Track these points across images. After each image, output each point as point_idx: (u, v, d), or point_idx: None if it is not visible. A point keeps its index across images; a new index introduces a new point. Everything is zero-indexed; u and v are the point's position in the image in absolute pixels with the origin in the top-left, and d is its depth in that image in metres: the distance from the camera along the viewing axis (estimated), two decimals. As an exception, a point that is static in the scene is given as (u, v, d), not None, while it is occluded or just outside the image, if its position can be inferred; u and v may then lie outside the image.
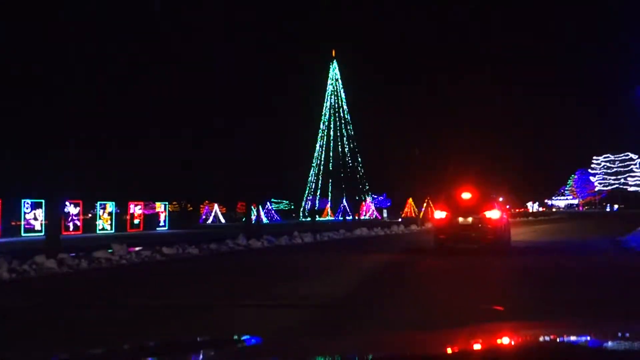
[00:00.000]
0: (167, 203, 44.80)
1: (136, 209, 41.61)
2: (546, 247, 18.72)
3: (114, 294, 8.45)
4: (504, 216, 17.18)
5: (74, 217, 36.26)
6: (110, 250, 13.82)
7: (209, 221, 74.51)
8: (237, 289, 9.08)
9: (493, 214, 15.58)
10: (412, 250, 18.06)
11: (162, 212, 44.94)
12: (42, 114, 21.46)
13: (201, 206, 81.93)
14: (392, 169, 75.41)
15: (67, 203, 35.47)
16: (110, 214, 39.22)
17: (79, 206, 36.43)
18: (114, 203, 39.60)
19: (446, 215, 15.79)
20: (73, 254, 13.25)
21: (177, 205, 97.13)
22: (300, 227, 35.98)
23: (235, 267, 13.20)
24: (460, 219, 15.49)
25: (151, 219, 44.16)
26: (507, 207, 20.27)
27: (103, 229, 38.08)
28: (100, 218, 38.34)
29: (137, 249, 15.47)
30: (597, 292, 8.46)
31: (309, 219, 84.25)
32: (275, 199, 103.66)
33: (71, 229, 35.58)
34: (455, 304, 7.37)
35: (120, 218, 41.34)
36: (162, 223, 44.18)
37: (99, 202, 38.20)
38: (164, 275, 11.46)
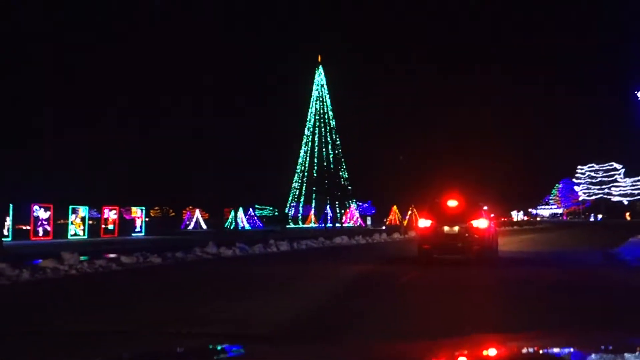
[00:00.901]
0: (144, 208, 43.34)
1: (111, 214, 40.05)
2: (536, 259, 17.76)
3: (31, 317, 7.15)
4: (492, 225, 16.47)
5: (43, 222, 34.69)
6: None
7: (190, 227, 72.88)
8: (176, 309, 7.69)
9: (480, 223, 14.81)
10: (393, 260, 16.93)
11: (138, 218, 43.40)
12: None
13: (184, 212, 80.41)
14: (377, 176, 74.57)
15: (36, 207, 34.05)
16: (83, 218, 37.68)
17: (49, 210, 34.88)
18: (87, 207, 38.05)
19: (431, 223, 14.96)
20: (29, 263, 12.15)
21: (158, 211, 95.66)
22: (280, 234, 34.83)
23: (190, 280, 11.79)
24: (446, 228, 14.70)
25: (127, 225, 42.68)
26: (493, 215, 19.22)
27: (75, 234, 36.55)
28: (72, 223, 36.79)
29: (114, 256, 14.22)
30: (601, 313, 7.45)
31: (292, 225, 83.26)
32: (259, 205, 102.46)
33: (40, 234, 34.03)
34: (437, 329, 6.23)
35: (95, 223, 39.83)
36: (138, 229, 42.66)
37: (71, 207, 36.68)
38: (107, 291, 10.12)
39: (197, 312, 7.43)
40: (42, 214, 34.46)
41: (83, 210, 37.76)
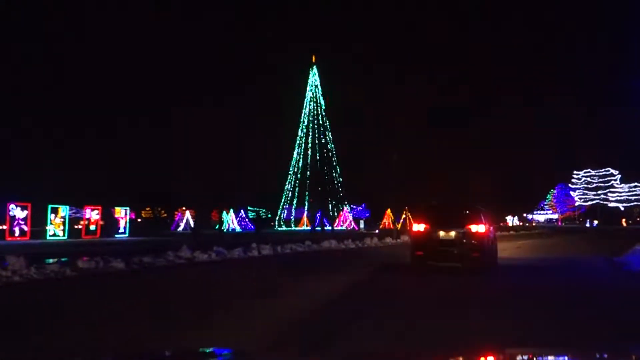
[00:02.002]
0: (128, 208, 41.77)
1: (93, 214, 38.51)
2: (539, 268, 16.56)
3: None
4: (491, 230, 15.25)
5: (20, 222, 33.15)
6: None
7: (180, 228, 71.39)
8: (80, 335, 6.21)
9: (479, 227, 13.62)
10: (382, 268, 15.52)
11: (122, 218, 41.82)
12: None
13: (175, 213, 78.85)
14: (371, 178, 73.25)
15: (12, 206, 32.56)
16: (63, 218, 36.15)
17: (26, 209, 33.34)
18: (67, 207, 36.50)
19: (425, 228, 13.77)
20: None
21: (150, 211, 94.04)
22: (269, 237, 33.41)
23: (140, 292, 10.24)
24: (441, 233, 13.54)
25: (112, 226, 41.17)
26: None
27: (54, 234, 35.06)
28: (51, 223, 35.27)
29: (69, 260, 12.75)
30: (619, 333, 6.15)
31: (284, 227, 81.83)
32: (251, 207, 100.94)
33: (17, 234, 32.53)
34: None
35: (76, 223, 38.30)
36: (122, 229, 41.10)
37: (50, 206, 35.17)
38: (35, 307, 8.55)
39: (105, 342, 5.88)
40: (18, 213, 32.95)
41: (63, 210, 36.24)
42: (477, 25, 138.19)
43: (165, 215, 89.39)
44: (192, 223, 74.03)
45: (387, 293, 10.42)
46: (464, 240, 13.40)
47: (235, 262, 16.22)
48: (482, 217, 14.14)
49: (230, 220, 72.96)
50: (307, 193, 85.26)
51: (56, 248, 24.24)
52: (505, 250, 21.92)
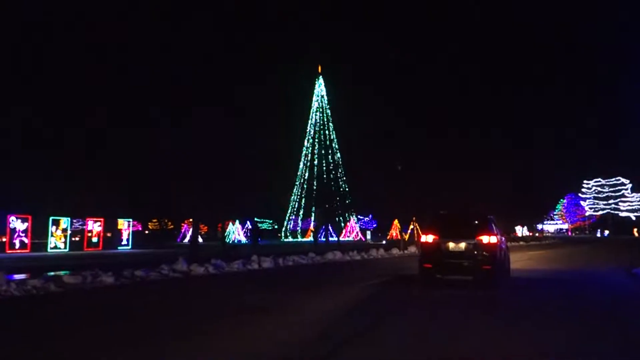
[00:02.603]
0: (130, 220, 41.20)
1: (95, 226, 37.98)
2: (555, 282, 15.62)
3: None
4: (503, 241, 14.53)
5: (20, 234, 32.63)
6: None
7: (186, 240, 70.83)
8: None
9: (490, 238, 12.92)
10: (387, 282, 14.67)
11: (125, 230, 41.26)
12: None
13: (182, 225, 78.32)
14: (378, 189, 72.35)
15: (12, 218, 32.06)
16: (64, 230, 35.63)
17: (27, 221, 32.84)
18: (68, 219, 35.96)
19: (433, 239, 13.16)
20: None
21: (157, 223, 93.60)
22: (273, 249, 32.71)
23: (119, 312, 9.38)
24: (451, 245, 12.90)
25: (113, 237, 40.61)
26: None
27: (55, 247, 34.53)
28: (52, 235, 34.74)
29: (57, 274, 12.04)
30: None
31: (290, 239, 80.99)
32: (258, 218, 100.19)
33: (17, 246, 32.03)
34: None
35: (76, 236, 37.66)
36: (124, 241, 40.54)
37: (51, 218, 34.66)
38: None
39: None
40: (19, 225, 32.48)
41: (64, 222, 35.74)
42: (488, 27, 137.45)
43: (172, 226, 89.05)
44: (193, 235, 73.29)
45: (392, 315, 9.57)
46: (475, 252, 12.74)
47: (233, 276, 15.46)
48: (494, 227, 13.51)
49: (235, 232, 72.31)
50: (313, 204, 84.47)
51: (53, 261, 23.64)
52: (517, 262, 21.04)
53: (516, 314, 9.51)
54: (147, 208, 74.35)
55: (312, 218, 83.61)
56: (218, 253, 21.87)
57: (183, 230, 75.39)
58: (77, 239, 36.84)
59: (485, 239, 12.86)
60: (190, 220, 78.25)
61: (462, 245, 12.84)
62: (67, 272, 13.41)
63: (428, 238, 13.30)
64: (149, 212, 79.79)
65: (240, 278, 15.15)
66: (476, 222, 13.38)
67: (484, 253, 12.71)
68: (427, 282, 13.14)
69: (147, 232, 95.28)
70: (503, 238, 14.83)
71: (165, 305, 10.14)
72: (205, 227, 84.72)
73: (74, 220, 36.82)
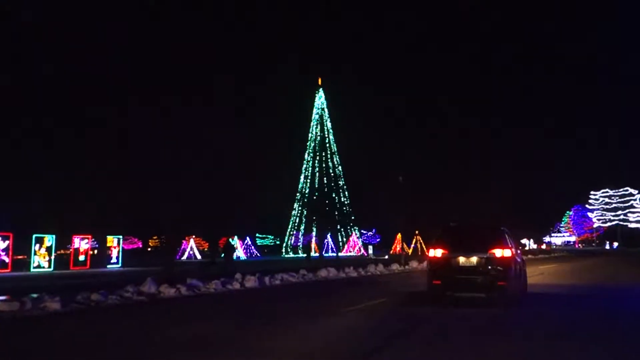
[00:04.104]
0: (120, 237, 39.37)
1: (82, 244, 36.20)
2: (578, 298, 13.94)
3: None
4: (518, 254, 13.31)
5: (0, 253, 30.90)
6: None
7: (184, 257, 69.08)
8: None
9: (504, 252, 11.85)
10: (384, 303, 12.76)
11: (114, 247, 39.43)
12: None
13: (183, 241, 76.65)
14: (381, 202, 70.58)
15: (-8, 236, 30.41)
16: (48, 248, 33.87)
17: (8, 239, 31.10)
18: (53, 236, 34.21)
19: (442, 253, 12.15)
20: None
21: (157, 240, 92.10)
22: (268, 265, 30.89)
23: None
24: (461, 259, 11.88)
25: (102, 255, 38.87)
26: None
27: (39, 266, 32.72)
28: (35, 254, 32.97)
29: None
30: None
31: (292, 254, 78.98)
32: (259, 234, 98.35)
33: (-4, 266, 30.28)
34: None
35: (62, 254, 36.02)
36: (114, 259, 38.68)
37: (34, 235, 32.93)
38: None
39: None
40: (-1, 243, 30.78)
41: (49, 240, 33.97)
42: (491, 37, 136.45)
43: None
44: (196, 252, 71.88)
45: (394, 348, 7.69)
46: (488, 267, 11.66)
47: (208, 299, 13.53)
48: (508, 240, 12.40)
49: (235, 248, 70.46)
50: (314, 218, 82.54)
51: (26, 282, 21.96)
52: (530, 277, 19.20)
53: (541, 342, 7.84)
54: (147, 224, 73.11)
55: (314, 233, 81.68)
56: (196, 271, 20.07)
57: (183, 247, 73.65)
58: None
59: (498, 252, 11.76)
60: (193, 236, 76.89)
61: (474, 259, 11.76)
62: (25, 295, 11.67)
63: (437, 252, 12.25)
64: (150, 229, 78.48)
65: (215, 301, 13.25)
66: (488, 234, 12.44)
67: (498, 268, 11.63)
68: (438, 300, 12.13)
69: (149, 249, 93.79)
70: (518, 251, 13.70)
71: (84, 343, 8.17)
72: (207, 244, 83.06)
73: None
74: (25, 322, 9.43)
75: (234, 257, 68.48)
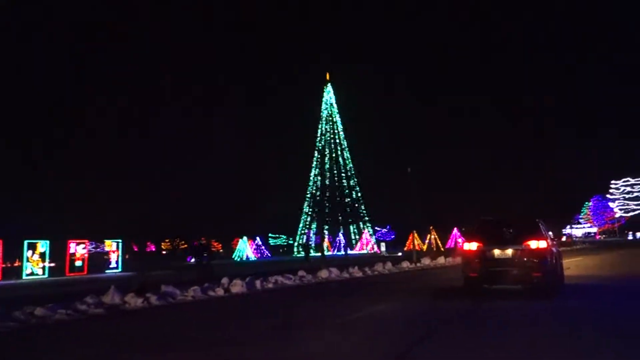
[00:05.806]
0: (120, 241, 37.68)
1: (79, 249, 34.58)
2: (619, 289, 13.16)
3: None
4: (554, 244, 13.05)
5: (-8, 260, 29.42)
6: None
7: (194, 260, 67.31)
8: None
9: (539, 243, 11.82)
10: (383, 312, 10.68)
11: (114, 252, 37.77)
12: None
13: (194, 243, 75.30)
14: (393, 198, 68.43)
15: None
16: (42, 254, 32.28)
17: (-3, 246, 29.60)
18: (47, 242, 32.60)
19: (477, 247, 12.26)
20: None
21: (169, 243, 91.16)
22: (268, 266, 28.94)
23: None
24: (497, 252, 11.93)
25: (99, 261, 37.35)
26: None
27: (32, 273, 31.15)
28: (28, 260, 31.41)
29: None
30: None
31: (302, 254, 77.07)
32: (272, 233, 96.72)
33: (-15, 274, 28.78)
34: None
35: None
36: (113, 264, 37.01)
37: (26, 241, 31.37)
38: None
39: None
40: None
41: (42, 246, 32.38)
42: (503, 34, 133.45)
43: (185, 246, 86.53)
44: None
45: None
46: (524, 259, 11.65)
47: (181, 309, 11.43)
48: (543, 231, 12.33)
49: (244, 249, 68.77)
50: (326, 217, 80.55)
51: (11, 292, 20.47)
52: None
53: (595, 337, 6.89)
54: (160, 228, 72.71)
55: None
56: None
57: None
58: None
59: (533, 243, 11.75)
60: (203, 239, 75.57)
61: (509, 251, 11.79)
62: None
63: (472, 245, 12.39)
64: (163, 232, 77.67)
65: (182, 315, 10.90)
66: (523, 226, 12.40)
67: (533, 259, 11.61)
68: (472, 292, 12.29)
69: (164, 252, 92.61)
70: (554, 242, 13.34)
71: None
72: (219, 245, 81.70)
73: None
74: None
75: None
